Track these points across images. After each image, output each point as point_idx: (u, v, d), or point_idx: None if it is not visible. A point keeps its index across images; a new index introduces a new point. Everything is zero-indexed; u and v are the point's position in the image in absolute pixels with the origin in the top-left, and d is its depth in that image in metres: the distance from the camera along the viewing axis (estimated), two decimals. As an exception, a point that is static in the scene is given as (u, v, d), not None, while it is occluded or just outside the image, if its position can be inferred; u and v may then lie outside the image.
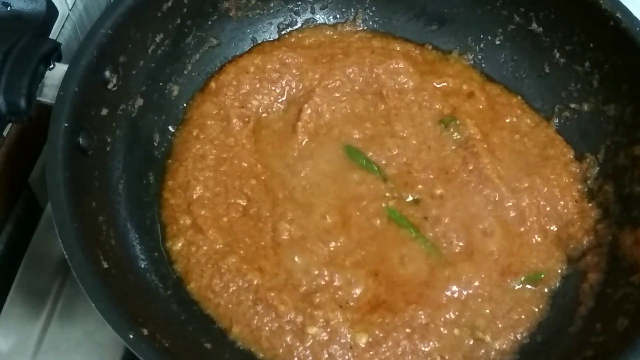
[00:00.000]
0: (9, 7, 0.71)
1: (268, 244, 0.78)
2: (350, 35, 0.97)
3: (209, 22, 0.90)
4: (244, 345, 0.73)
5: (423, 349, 0.73)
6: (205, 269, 0.76)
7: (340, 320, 0.73)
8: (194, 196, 0.80)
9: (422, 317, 0.74)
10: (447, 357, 0.73)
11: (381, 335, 0.72)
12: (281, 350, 0.72)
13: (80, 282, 0.61)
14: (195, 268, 0.76)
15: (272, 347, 0.72)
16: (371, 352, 0.72)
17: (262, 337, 0.72)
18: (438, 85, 0.91)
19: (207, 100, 0.88)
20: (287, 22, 0.97)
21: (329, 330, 0.72)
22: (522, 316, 0.76)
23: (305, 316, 0.73)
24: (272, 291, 0.74)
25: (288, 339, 0.72)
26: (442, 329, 0.74)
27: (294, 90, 0.90)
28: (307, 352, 0.72)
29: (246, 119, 0.87)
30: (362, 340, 0.72)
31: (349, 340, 0.72)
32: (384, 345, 0.72)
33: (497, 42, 0.94)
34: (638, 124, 0.80)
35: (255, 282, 0.74)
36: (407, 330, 0.73)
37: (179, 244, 0.78)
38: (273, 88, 0.89)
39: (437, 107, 0.89)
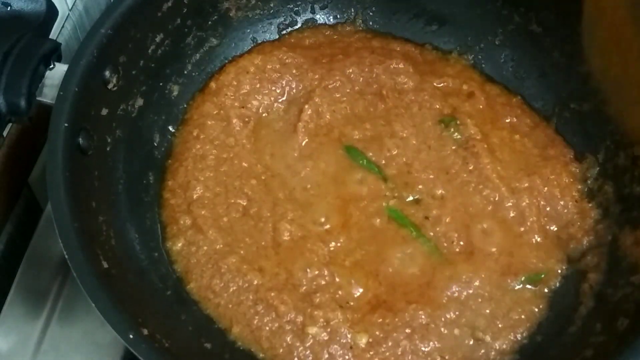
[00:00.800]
0: (9, 7, 0.71)
1: (268, 244, 0.78)
2: (350, 36, 0.97)
3: (209, 22, 0.90)
4: (244, 345, 0.73)
5: (423, 349, 0.73)
6: (205, 269, 0.76)
7: (341, 320, 0.73)
8: (194, 196, 0.80)
9: (423, 317, 0.74)
10: (447, 357, 0.73)
11: (381, 335, 0.72)
12: (281, 350, 0.72)
13: (80, 282, 0.61)
14: (195, 268, 0.76)
15: (272, 346, 0.72)
16: (371, 352, 0.72)
17: (262, 337, 0.72)
18: (438, 85, 0.91)
19: (207, 101, 0.88)
20: (287, 22, 0.97)
21: (329, 330, 0.72)
22: (522, 316, 0.76)
23: (305, 316, 0.73)
24: (272, 291, 0.74)
25: (288, 338, 0.72)
26: (442, 329, 0.74)
27: (294, 91, 0.90)
28: (307, 352, 0.72)
29: (246, 119, 0.87)
30: (362, 341, 0.72)
31: (349, 340, 0.72)
32: (384, 346, 0.72)
33: (497, 42, 0.94)
34: (638, 124, 0.80)
35: (255, 282, 0.74)
36: (408, 330, 0.73)
37: (179, 244, 0.78)
38: (273, 88, 0.89)
39: (437, 107, 0.89)
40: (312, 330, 0.72)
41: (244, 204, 0.81)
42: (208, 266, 0.76)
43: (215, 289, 0.75)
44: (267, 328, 0.72)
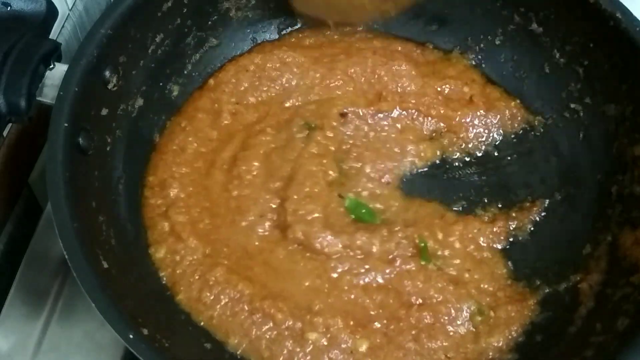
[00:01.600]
0: (9, 7, 0.71)
1: (244, 252, 0.76)
2: (351, 35, 0.96)
3: (209, 22, 0.90)
4: (243, 355, 0.71)
5: (427, 348, 0.72)
6: (192, 280, 0.73)
7: (341, 326, 0.72)
8: (171, 195, 0.78)
9: (427, 317, 0.73)
10: (450, 356, 0.73)
11: (383, 340, 0.72)
12: (282, 358, 0.70)
13: (80, 282, 0.61)
14: (182, 279, 0.73)
15: (272, 355, 0.70)
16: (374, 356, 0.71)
17: (261, 345, 0.70)
18: (439, 89, 0.90)
19: (204, 96, 0.87)
20: (287, 22, 0.97)
21: (329, 336, 0.71)
22: (522, 315, 0.76)
23: (304, 323, 0.71)
24: (266, 300, 0.72)
25: (288, 344, 0.71)
26: (446, 327, 0.74)
27: (294, 88, 0.89)
28: (308, 357, 0.70)
29: (234, 112, 0.86)
30: (363, 347, 0.71)
31: (349, 346, 0.71)
32: (386, 350, 0.72)
33: (497, 42, 0.94)
34: (638, 124, 0.80)
35: (247, 292, 0.72)
36: (411, 333, 0.73)
37: (162, 252, 0.75)
38: (272, 85, 0.89)
39: (434, 114, 0.88)
40: (312, 336, 0.70)
41: (210, 207, 0.78)
42: (195, 277, 0.73)
43: (206, 301, 0.72)
44: (267, 337, 0.71)
